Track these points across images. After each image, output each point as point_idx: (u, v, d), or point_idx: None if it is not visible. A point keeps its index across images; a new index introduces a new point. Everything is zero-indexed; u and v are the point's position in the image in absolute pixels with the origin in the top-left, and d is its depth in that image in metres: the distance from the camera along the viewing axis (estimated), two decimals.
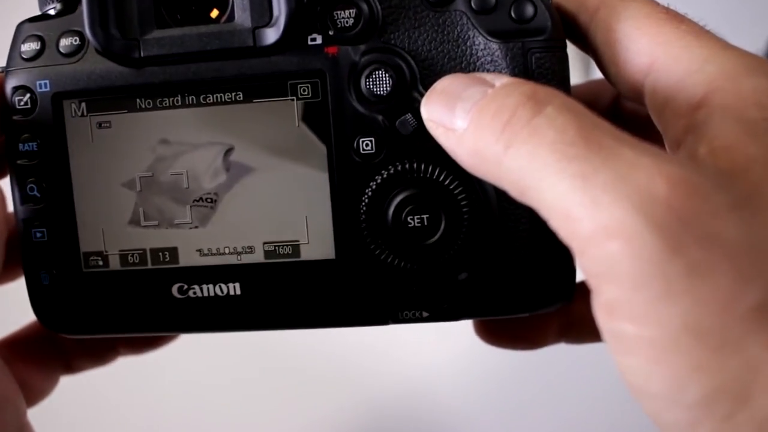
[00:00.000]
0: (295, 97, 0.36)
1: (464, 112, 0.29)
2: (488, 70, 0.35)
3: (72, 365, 0.43)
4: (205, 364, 0.70)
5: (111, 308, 0.38)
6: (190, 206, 0.37)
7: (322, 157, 0.36)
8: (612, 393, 0.64)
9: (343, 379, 0.71)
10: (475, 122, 0.29)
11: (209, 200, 0.37)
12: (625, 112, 0.42)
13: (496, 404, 0.69)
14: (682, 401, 0.24)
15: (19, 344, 0.42)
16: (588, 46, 0.35)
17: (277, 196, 0.36)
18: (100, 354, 0.44)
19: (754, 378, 0.24)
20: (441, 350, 0.70)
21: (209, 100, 0.36)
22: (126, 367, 0.46)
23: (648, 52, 0.32)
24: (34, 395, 0.42)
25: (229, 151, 0.37)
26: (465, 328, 0.65)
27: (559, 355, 0.64)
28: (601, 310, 0.26)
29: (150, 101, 0.37)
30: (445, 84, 0.31)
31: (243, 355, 0.71)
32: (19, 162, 0.37)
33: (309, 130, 0.36)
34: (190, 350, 0.58)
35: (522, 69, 0.34)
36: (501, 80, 0.30)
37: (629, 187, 0.25)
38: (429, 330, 0.65)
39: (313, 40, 0.35)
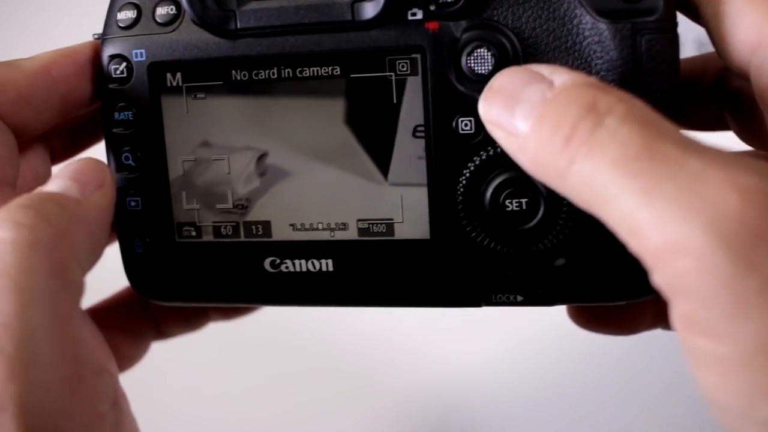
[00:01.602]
0: (393, 73, 0.35)
1: (524, 118, 0.28)
2: (594, 51, 0.33)
3: (163, 330, 0.44)
4: (240, 363, 0.71)
5: (203, 278, 0.38)
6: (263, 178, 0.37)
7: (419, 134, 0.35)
8: (642, 393, 0.64)
9: (375, 378, 0.71)
10: (536, 132, 0.27)
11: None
12: (730, 88, 0.40)
13: (532, 403, 0.68)
14: (756, 418, 0.23)
15: (112, 310, 0.43)
16: (699, 18, 0.33)
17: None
18: (191, 319, 0.44)
19: None
20: (477, 348, 0.69)
21: (305, 73, 0.36)
22: (152, 366, 0.46)
23: (756, 28, 0.30)
24: (126, 361, 0.42)
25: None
26: (502, 325, 0.65)
27: (598, 352, 0.64)
28: (676, 321, 0.25)
29: (245, 73, 0.36)
30: (501, 82, 0.30)
31: (273, 353, 0.71)
32: (114, 130, 0.38)
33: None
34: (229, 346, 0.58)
35: (630, 51, 0.33)
36: (560, 77, 0.28)
37: (697, 201, 0.23)
38: (466, 328, 0.66)
39: (414, 14, 0.34)
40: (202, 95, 0.37)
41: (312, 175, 0.37)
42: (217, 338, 0.47)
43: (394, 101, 0.35)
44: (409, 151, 0.35)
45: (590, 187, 0.26)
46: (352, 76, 0.35)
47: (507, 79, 0.30)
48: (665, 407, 0.61)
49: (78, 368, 0.29)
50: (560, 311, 0.39)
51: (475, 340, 0.68)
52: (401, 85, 0.35)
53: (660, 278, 0.25)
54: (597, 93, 0.27)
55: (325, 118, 0.36)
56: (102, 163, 0.36)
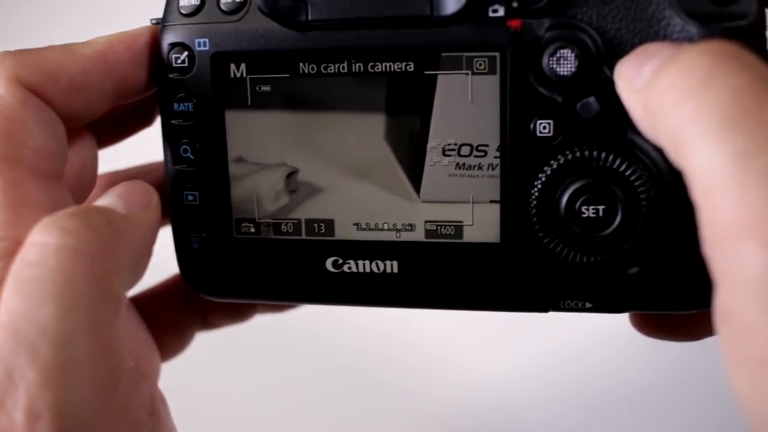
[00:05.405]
0: (470, 72, 0.34)
1: (651, 69, 0.27)
2: None
3: (209, 322, 0.43)
4: (257, 365, 0.71)
5: (261, 275, 0.37)
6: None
7: (495, 136, 0.34)
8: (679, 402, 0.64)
9: (397, 384, 0.71)
10: (654, 75, 0.26)
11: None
12: None
13: (560, 414, 0.68)
14: None
15: (158, 299, 0.42)
16: None
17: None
18: (238, 311, 0.44)
19: None
20: (502, 356, 0.69)
21: (377, 68, 0.34)
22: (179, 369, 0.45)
23: None
24: (169, 352, 0.41)
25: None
26: (528, 339, 0.65)
27: (634, 359, 0.63)
28: (718, 311, 0.24)
29: (314, 66, 0.35)
30: (647, 46, 0.30)
31: (295, 358, 0.70)
32: (173, 122, 0.36)
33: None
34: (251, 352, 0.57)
35: None
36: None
37: None
38: (492, 334, 0.65)
39: (495, 11, 0.33)
40: (267, 87, 0.35)
41: (345, 192, 0.36)
42: (231, 339, 0.46)
43: (470, 100, 0.34)
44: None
45: (686, 128, 0.24)
46: (426, 73, 0.34)
47: (654, 45, 0.30)
48: (700, 417, 0.61)
49: (114, 376, 0.28)
50: (596, 318, 0.39)
51: (500, 347, 0.68)
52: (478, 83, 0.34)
53: (714, 256, 0.23)
54: (725, 43, 0.25)
55: (365, 134, 0.35)
56: (149, 186, 0.35)
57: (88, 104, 0.34)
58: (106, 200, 0.33)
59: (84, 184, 0.37)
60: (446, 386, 0.69)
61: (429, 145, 0.35)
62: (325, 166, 0.36)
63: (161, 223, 0.37)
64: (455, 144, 0.34)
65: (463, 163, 0.35)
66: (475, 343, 0.67)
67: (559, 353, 0.67)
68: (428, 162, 0.35)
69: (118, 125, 0.40)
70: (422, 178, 0.35)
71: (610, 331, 0.36)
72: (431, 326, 0.66)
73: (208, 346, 0.45)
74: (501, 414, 0.68)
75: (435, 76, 0.34)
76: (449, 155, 0.35)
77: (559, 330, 0.64)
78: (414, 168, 0.35)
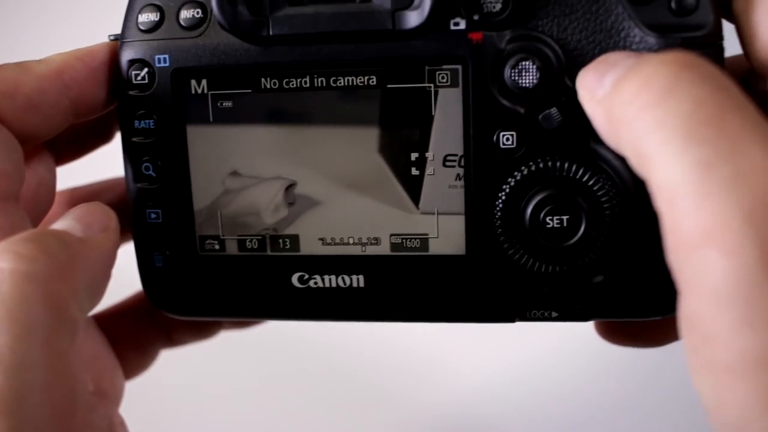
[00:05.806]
0: (432, 85, 0.34)
1: (612, 79, 0.27)
2: None
3: (174, 339, 0.43)
4: (247, 367, 0.70)
5: (226, 292, 0.37)
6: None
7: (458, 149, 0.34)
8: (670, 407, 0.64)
9: (390, 388, 0.71)
10: (616, 85, 0.27)
11: None
12: (754, 92, 0.40)
13: (553, 418, 0.68)
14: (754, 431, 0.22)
15: (122, 317, 0.41)
16: (731, 15, 0.32)
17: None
18: (202, 328, 0.43)
19: None
20: (492, 362, 0.69)
21: (340, 83, 0.34)
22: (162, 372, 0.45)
23: None
24: (133, 370, 0.41)
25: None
26: (519, 341, 0.65)
27: (622, 363, 0.63)
28: (682, 319, 0.24)
29: (276, 81, 0.34)
30: (608, 55, 0.30)
31: (283, 361, 0.70)
32: (134, 140, 0.36)
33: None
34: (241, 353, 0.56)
35: None
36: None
37: (747, 194, 0.22)
38: (485, 338, 0.65)
39: (456, 24, 0.33)
40: (228, 103, 0.35)
41: (342, 204, 0.35)
42: (226, 339, 0.45)
43: (432, 113, 0.34)
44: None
45: (649, 138, 0.24)
46: (388, 86, 0.34)
47: (615, 53, 0.30)
48: (690, 421, 0.62)
49: (70, 403, 0.27)
50: (585, 325, 0.39)
51: (493, 350, 0.67)
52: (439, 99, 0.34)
53: (678, 265, 0.24)
54: (686, 53, 0.26)
55: (358, 147, 0.35)
56: (108, 208, 0.34)
57: (44, 123, 0.34)
58: (63, 223, 0.32)
59: (42, 203, 0.36)
60: (435, 389, 0.69)
61: (428, 157, 0.35)
62: (318, 179, 0.35)
63: (123, 240, 0.36)
64: (456, 155, 0.34)
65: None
66: (464, 346, 0.67)
67: (551, 356, 0.67)
68: (428, 173, 0.35)
69: (76, 142, 0.39)
70: (421, 189, 0.35)
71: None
72: (422, 328, 0.66)
73: (201, 345, 0.44)
74: (491, 417, 0.68)
75: (434, 90, 0.34)
76: (450, 166, 0.34)
77: (553, 332, 0.64)
78: (410, 180, 0.35)
